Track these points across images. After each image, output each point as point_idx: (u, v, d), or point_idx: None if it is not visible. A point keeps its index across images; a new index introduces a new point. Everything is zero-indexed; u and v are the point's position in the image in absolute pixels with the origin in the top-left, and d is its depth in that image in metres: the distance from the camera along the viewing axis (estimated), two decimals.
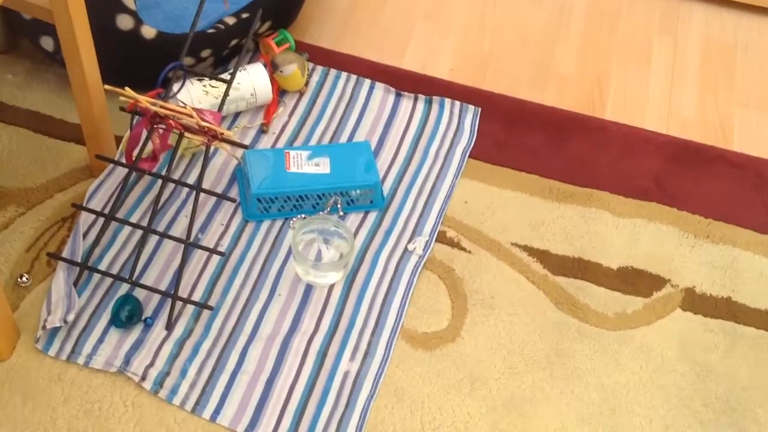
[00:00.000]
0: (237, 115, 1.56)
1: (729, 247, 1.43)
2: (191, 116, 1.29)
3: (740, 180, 1.54)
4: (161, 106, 1.30)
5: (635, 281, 1.39)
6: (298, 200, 1.39)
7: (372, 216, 1.43)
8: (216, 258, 1.35)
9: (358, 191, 1.39)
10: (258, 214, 1.39)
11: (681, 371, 1.28)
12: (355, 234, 1.40)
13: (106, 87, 1.31)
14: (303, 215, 1.40)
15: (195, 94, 1.49)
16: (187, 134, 1.33)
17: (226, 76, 1.50)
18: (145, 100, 1.29)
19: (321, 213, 1.38)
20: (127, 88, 1.28)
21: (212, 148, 1.47)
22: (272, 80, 1.56)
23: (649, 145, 1.59)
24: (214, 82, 1.50)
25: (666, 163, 1.56)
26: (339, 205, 1.38)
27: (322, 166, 1.40)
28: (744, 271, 1.40)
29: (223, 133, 1.31)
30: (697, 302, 1.36)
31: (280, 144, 1.52)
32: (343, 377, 1.24)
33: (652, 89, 1.70)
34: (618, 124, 1.63)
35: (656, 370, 1.28)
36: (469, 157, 1.54)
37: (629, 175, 1.54)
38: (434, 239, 1.41)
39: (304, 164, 1.40)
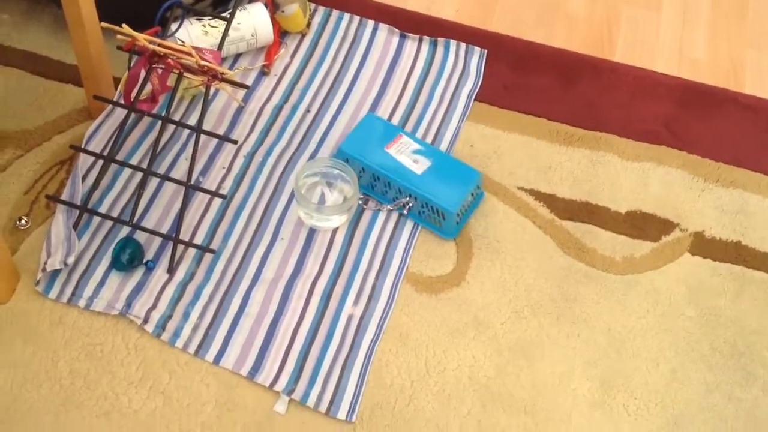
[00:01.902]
0: (237, 56, 1.52)
1: (739, 191, 1.41)
2: (191, 55, 1.26)
3: (751, 123, 1.51)
4: (160, 45, 1.27)
5: (643, 225, 1.36)
6: (373, 178, 1.34)
7: None
8: (217, 201, 1.33)
9: (429, 207, 1.31)
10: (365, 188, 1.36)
11: (689, 315, 1.26)
12: (359, 178, 1.38)
13: (103, 25, 1.28)
14: (371, 197, 1.35)
15: (194, 34, 1.45)
16: (186, 74, 1.30)
17: (226, 15, 1.47)
18: (143, 38, 1.26)
19: (388, 206, 1.34)
20: (124, 26, 1.25)
21: (213, 89, 1.43)
22: (273, 21, 1.52)
23: (659, 88, 1.55)
24: (213, 22, 1.47)
25: (676, 105, 1.53)
26: (406, 209, 1.32)
27: (418, 165, 1.33)
28: (754, 215, 1.37)
29: (223, 73, 1.28)
30: (706, 246, 1.34)
31: (283, 85, 1.48)
32: (348, 320, 1.23)
33: (662, 31, 1.66)
34: (628, 66, 1.59)
35: (663, 314, 1.26)
36: (475, 99, 1.51)
37: (638, 118, 1.51)
38: None
39: (404, 153, 1.34)
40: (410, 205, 1.32)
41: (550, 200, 1.39)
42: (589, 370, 1.21)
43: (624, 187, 1.41)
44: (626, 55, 1.62)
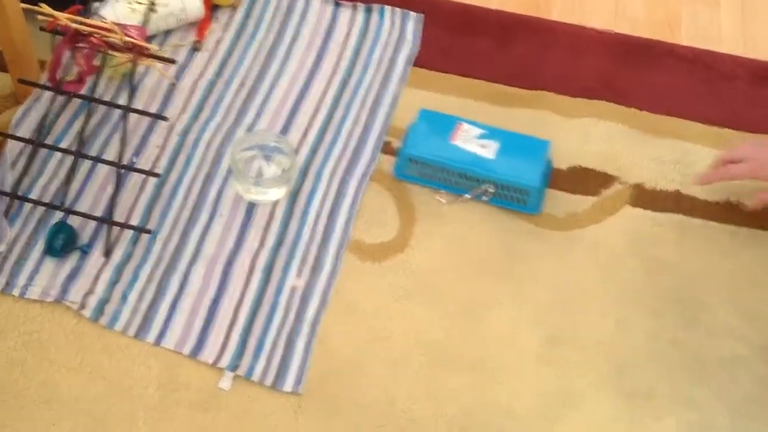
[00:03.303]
0: (168, 33, 1.49)
1: (678, 141, 1.41)
2: (114, 32, 1.22)
3: (688, 74, 1.51)
4: (81, 23, 1.23)
5: (584, 180, 1.36)
6: (447, 173, 1.31)
7: (313, 130, 1.39)
8: (153, 181, 1.30)
9: (511, 188, 1.28)
10: (405, 174, 1.33)
11: (631, 266, 1.27)
12: (297, 150, 1.36)
13: (22, 5, 1.24)
14: (447, 191, 1.32)
15: (120, 12, 1.41)
16: (111, 52, 1.27)
17: None
18: (64, 18, 1.23)
19: (467, 195, 1.31)
20: (42, 5, 1.21)
21: (143, 67, 1.40)
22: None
23: (596, 44, 1.55)
24: (142, 1, 1.43)
25: (614, 60, 1.53)
26: (486, 197, 1.30)
27: (487, 149, 1.31)
28: (693, 164, 1.38)
29: (149, 49, 1.25)
30: (646, 197, 1.34)
31: (216, 60, 1.46)
32: (291, 293, 1.21)
33: None
34: (565, 24, 1.59)
35: (607, 267, 1.26)
36: (413, 65, 1.50)
37: (577, 74, 1.50)
38: (380, 150, 1.37)
39: (470, 141, 1.32)
40: (490, 190, 1.29)
41: None
42: (535, 326, 1.20)
43: (564, 144, 1.41)
44: (563, 13, 1.61)
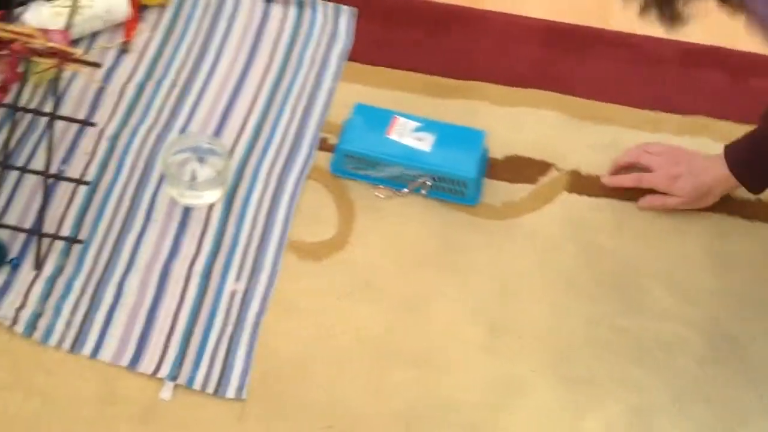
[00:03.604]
0: (95, 35, 1.45)
1: (613, 127, 1.42)
2: (35, 37, 1.19)
3: (618, 58, 1.52)
4: (1, 29, 1.19)
5: (521, 169, 1.37)
6: (384, 168, 1.30)
7: (248, 130, 1.37)
8: (83, 189, 1.27)
9: (448, 180, 1.28)
10: (342, 170, 1.32)
11: (570, 252, 1.28)
12: (231, 151, 1.34)
13: None
14: (385, 185, 1.31)
15: (44, 16, 1.38)
16: (34, 58, 1.23)
17: None
18: None
19: (405, 190, 1.30)
20: None
21: (69, 72, 1.36)
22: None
23: (528, 32, 1.55)
24: (63, 2, 1.39)
25: (546, 48, 1.53)
26: (424, 190, 1.29)
27: (423, 142, 1.30)
28: (627, 147, 1.39)
29: (74, 54, 1.22)
30: (582, 183, 1.35)
31: (145, 61, 1.43)
32: (231, 297, 1.19)
33: None
34: (497, 12, 1.59)
35: (545, 254, 1.27)
36: (347, 60, 1.48)
37: (510, 63, 1.51)
38: (316, 148, 1.36)
39: (406, 134, 1.31)
40: (428, 183, 1.29)
41: None
42: (476, 317, 1.21)
43: (500, 133, 1.41)
44: (496, 1, 1.61)
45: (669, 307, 1.22)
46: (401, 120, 1.34)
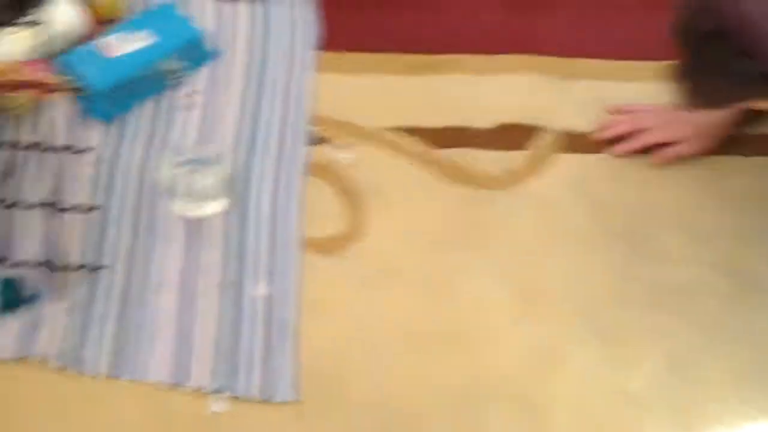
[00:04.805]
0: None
1: (594, 81, 1.45)
2: (20, 72, 1.16)
3: (588, 11, 1.55)
4: None
5: (512, 136, 1.39)
6: (140, 80, 1.34)
7: (239, 135, 1.36)
8: (91, 215, 1.25)
9: (189, 47, 1.37)
10: (108, 110, 1.33)
11: (577, 211, 1.30)
12: (228, 158, 1.33)
13: None
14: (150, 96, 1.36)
15: (6, 46, 1.34)
16: (12, 93, 1.20)
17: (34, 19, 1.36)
18: None
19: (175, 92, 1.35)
20: None
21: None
22: (91, 11, 1.43)
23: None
24: (22, 29, 1.36)
25: (512, 11, 1.55)
26: (179, 73, 1.36)
27: (143, 40, 1.35)
28: (612, 100, 1.42)
29: (53, 83, 1.19)
30: (575, 142, 1.38)
31: None
32: (259, 303, 1.20)
33: None
34: None
35: (555, 216, 1.30)
36: (316, 49, 1.48)
37: (478, 31, 1.52)
38: (308, 142, 1.36)
39: (124, 45, 1.35)
40: (175, 66, 1.36)
41: (418, 133, 1.39)
42: (502, 288, 1.23)
43: (484, 102, 1.43)
44: None
45: (683, 251, 1.26)
46: (107, 40, 1.36)
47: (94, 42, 1.36)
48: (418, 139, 1.38)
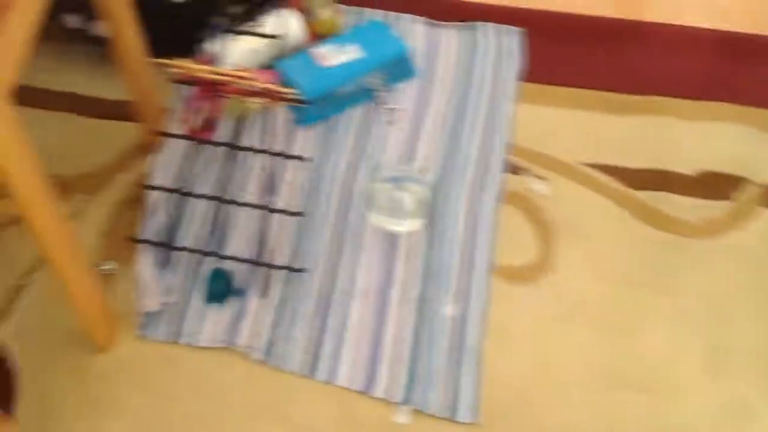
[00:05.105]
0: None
1: None
2: (253, 80, 1.24)
3: None
4: (219, 73, 1.25)
5: (714, 185, 1.37)
6: (347, 89, 1.41)
7: (437, 156, 1.40)
8: (294, 219, 1.32)
9: (391, 64, 1.43)
10: (311, 117, 1.41)
11: None
12: (425, 177, 1.37)
13: (156, 60, 1.27)
14: (349, 107, 1.43)
15: (239, 53, 1.45)
16: (244, 98, 1.29)
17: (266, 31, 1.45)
18: (202, 70, 1.25)
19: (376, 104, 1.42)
20: (182, 60, 1.24)
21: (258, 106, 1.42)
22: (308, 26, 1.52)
23: (696, 43, 1.55)
24: (253, 38, 1.46)
25: (717, 58, 1.53)
26: (379, 88, 1.42)
27: (351, 53, 1.43)
28: None
29: (284, 93, 1.27)
30: None
31: None
32: (448, 322, 1.23)
33: None
34: (660, 24, 1.59)
35: (755, 271, 1.27)
36: (521, 80, 1.51)
37: (684, 76, 1.51)
38: (505, 171, 1.39)
39: (336, 56, 1.43)
40: (378, 80, 1.42)
41: (617, 172, 1.39)
42: (694, 339, 1.22)
43: (686, 148, 1.42)
44: (655, 12, 1.61)
45: None
46: (321, 50, 1.44)
47: (307, 51, 1.45)
48: (616, 177, 1.38)
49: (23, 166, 0.91)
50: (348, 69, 1.42)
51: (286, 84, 1.36)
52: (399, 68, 1.47)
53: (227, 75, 1.26)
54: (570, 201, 1.36)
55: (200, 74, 1.25)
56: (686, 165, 1.39)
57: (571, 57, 1.54)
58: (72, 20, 1.42)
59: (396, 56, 1.45)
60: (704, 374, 1.18)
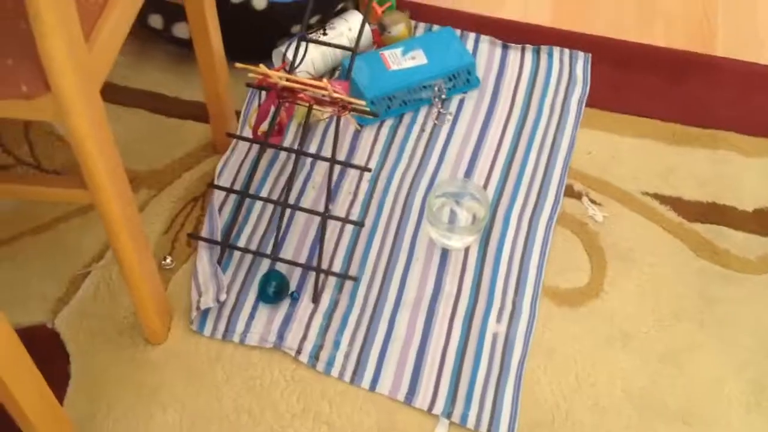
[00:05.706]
0: (334, 70, 1.56)
1: None
2: (325, 89, 1.28)
3: None
4: (295, 81, 1.29)
5: None
6: (407, 93, 1.46)
7: (495, 175, 1.42)
8: (350, 227, 1.35)
9: (456, 74, 1.48)
10: (383, 112, 1.48)
11: None
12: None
13: (237, 65, 1.31)
14: (411, 110, 1.49)
15: (313, 61, 1.49)
16: (316, 106, 1.32)
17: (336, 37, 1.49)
18: (277, 76, 1.29)
19: (433, 107, 1.48)
20: (261, 65, 1.28)
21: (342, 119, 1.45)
22: (376, 37, 1.56)
23: (765, 81, 1.54)
24: (329, 48, 1.50)
25: None
26: (443, 94, 1.47)
27: (418, 59, 1.47)
28: None
29: (352, 103, 1.30)
30: None
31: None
32: (493, 339, 1.24)
33: (760, 19, 1.64)
34: (732, 60, 1.59)
35: None
36: (585, 105, 1.52)
37: (753, 112, 1.50)
38: (562, 194, 1.40)
39: (401, 61, 1.47)
40: (444, 87, 1.46)
41: (676, 203, 1.39)
42: (740, 373, 1.21)
43: (748, 184, 1.41)
44: (728, 48, 1.61)
45: None
46: (388, 52, 1.49)
47: (373, 53, 1.49)
48: (673, 208, 1.38)
49: (108, 153, 0.95)
50: (411, 74, 1.47)
51: (362, 100, 1.40)
52: (463, 79, 1.50)
53: (301, 83, 1.29)
54: (626, 228, 1.36)
55: (276, 80, 1.29)
56: (745, 201, 1.38)
57: (637, 86, 1.55)
58: (155, 20, 1.48)
59: (461, 66, 1.48)
60: (747, 410, 1.17)
